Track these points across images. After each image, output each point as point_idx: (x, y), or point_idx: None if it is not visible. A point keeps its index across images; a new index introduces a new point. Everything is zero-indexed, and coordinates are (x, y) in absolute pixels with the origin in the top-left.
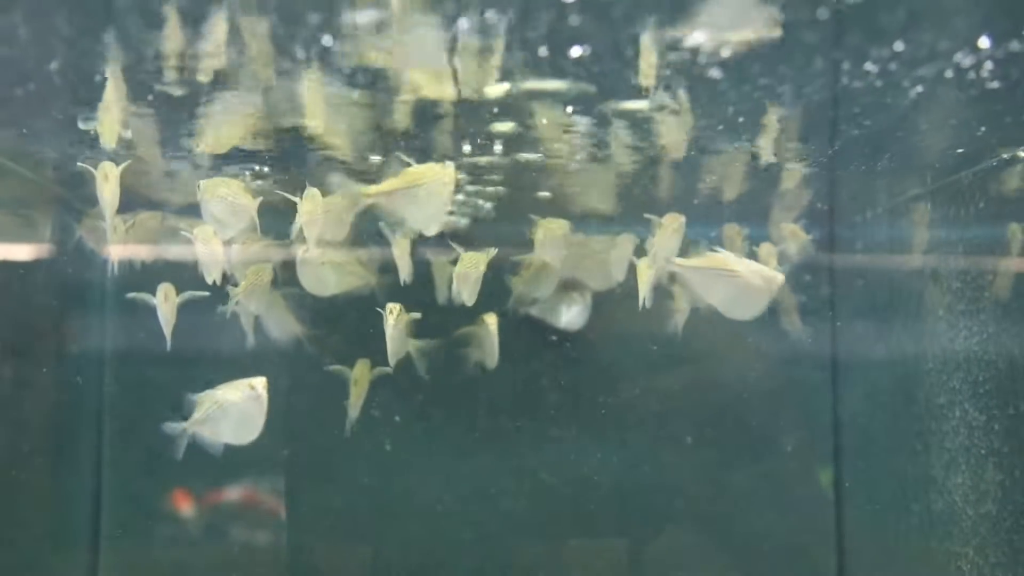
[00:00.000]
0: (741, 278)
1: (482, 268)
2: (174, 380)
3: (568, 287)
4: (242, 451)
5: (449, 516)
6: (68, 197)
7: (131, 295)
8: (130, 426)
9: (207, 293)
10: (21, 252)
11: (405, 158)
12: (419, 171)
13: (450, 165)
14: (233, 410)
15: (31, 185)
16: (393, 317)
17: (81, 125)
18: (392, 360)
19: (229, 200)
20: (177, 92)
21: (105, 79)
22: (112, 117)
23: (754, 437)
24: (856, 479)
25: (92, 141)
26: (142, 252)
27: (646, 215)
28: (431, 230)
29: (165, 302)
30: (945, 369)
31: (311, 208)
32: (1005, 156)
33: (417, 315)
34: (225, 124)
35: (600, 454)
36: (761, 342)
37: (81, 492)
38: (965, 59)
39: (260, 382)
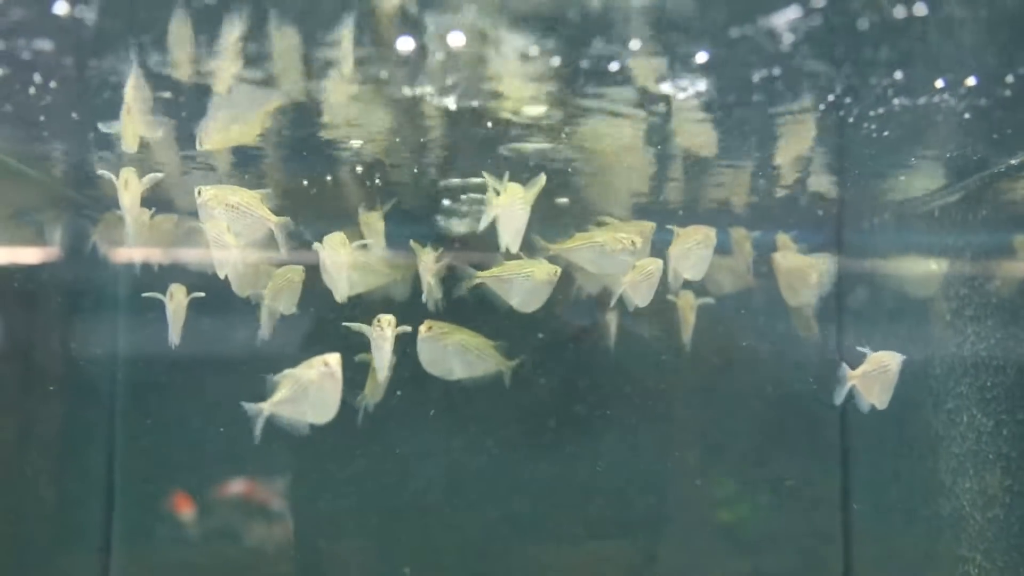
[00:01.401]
0: (894, 368)
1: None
2: (186, 381)
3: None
4: (250, 451)
5: (456, 516)
6: (83, 201)
7: (146, 294)
8: (142, 427)
9: (203, 294)
10: (37, 255)
11: (490, 179)
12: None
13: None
14: (312, 388)
15: (46, 189)
16: (384, 329)
17: (102, 128)
18: (381, 374)
19: (242, 210)
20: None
21: (126, 81)
22: (133, 121)
23: (761, 441)
24: (863, 482)
25: (110, 143)
26: (156, 255)
27: (668, 226)
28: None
29: (172, 301)
30: (952, 374)
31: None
32: (1013, 162)
33: (407, 328)
34: (235, 122)
35: (606, 457)
36: (772, 347)
37: (93, 493)
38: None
39: (334, 358)
